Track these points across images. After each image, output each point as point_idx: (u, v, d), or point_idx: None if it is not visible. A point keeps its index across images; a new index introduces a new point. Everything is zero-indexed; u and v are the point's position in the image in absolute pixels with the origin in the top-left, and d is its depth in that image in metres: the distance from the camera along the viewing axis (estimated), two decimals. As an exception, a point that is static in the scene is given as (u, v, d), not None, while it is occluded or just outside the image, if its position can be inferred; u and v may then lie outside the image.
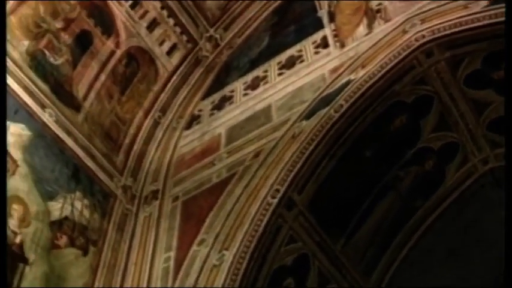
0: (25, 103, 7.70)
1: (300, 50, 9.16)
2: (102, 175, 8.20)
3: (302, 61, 8.93)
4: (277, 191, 6.98)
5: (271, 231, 6.78)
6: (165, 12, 10.48)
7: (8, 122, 7.21)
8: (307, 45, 9.14)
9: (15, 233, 6.51)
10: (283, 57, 9.27)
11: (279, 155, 7.41)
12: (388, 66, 7.57)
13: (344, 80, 7.83)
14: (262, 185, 7.12)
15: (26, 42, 8.30)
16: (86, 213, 7.57)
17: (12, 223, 6.56)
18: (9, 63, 7.77)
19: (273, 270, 6.69)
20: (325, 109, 7.55)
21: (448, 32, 7.42)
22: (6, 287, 5.27)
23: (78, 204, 7.52)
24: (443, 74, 7.69)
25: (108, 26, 9.68)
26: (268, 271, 6.62)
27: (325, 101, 7.70)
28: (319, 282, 7.27)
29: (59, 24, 8.90)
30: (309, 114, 7.69)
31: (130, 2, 10.05)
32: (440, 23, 7.50)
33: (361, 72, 7.73)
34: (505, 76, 6.73)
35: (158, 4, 10.41)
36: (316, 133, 7.36)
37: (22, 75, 7.92)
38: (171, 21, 10.56)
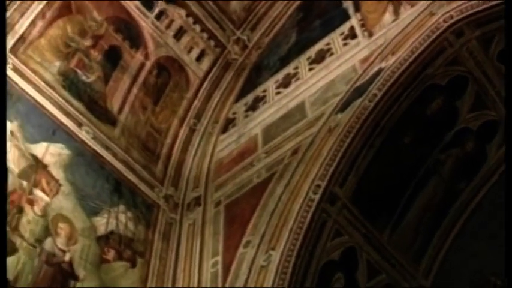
0: (62, 123, 7.84)
1: (328, 43, 9.10)
2: (143, 187, 8.27)
3: (331, 54, 8.87)
4: (319, 186, 6.93)
5: (316, 227, 6.73)
6: (190, 20, 10.53)
7: (46, 143, 7.37)
8: (335, 38, 9.08)
9: (63, 251, 6.63)
10: (312, 52, 9.22)
11: (317, 150, 7.36)
12: (419, 51, 7.47)
13: (375, 69, 7.75)
14: (303, 181, 7.08)
15: (57, 63, 8.45)
16: (131, 225, 7.64)
17: (60, 241, 6.68)
18: (42, 85, 7.94)
19: (321, 266, 6.64)
20: (359, 100, 7.48)
21: (476, 9, 7.30)
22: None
23: (122, 218, 7.61)
24: (475, 53, 7.57)
25: (135, 39, 9.79)
26: (316, 267, 6.57)
27: (358, 91, 7.64)
28: (368, 274, 7.19)
29: (87, 42, 9.03)
30: (343, 107, 7.63)
31: (155, 13, 10.13)
32: (468, 1, 7.38)
33: (392, 59, 7.64)
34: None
35: (183, 12, 10.47)
36: (352, 125, 7.29)
37: (56, 95, 8.07)
38: (198, 27, 10.60)
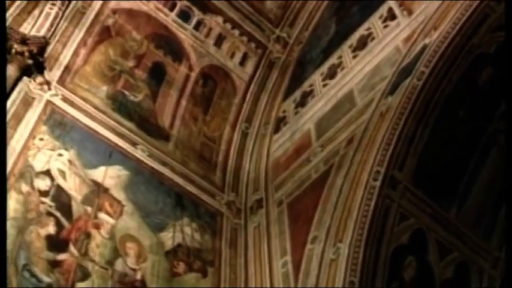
0: (117, 145, 7.98)
1: (369, 28, 8.99)
2: (204, 196, 8.33)
3: (373, 38, 8.76)
4: (378, 172, 6.86)
5: (381, 213, 6.67)
6: (228, 25, 10.58)
7: (105, 167, 7.51)
8: (374, 22, 8.96)
9: (134, 270, 6.75)
10: (354, 39, 9.12)
11: (371, 136, 7.28)
12: (461, 21, 7.31)
13: (419, 47, 7.63)
14: (362, 169, 7.02)
15: (105, 87, 8.60)
16: (197, 236, 7.71)
17: (130, 261, 6.80)
18: (93, 111, 8.09)
19: (391, 252, 6.57)
20: (407, 80, 7.36)
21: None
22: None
23: (187, 230, 7.69)
24: (520, 14, 7.38)
25: (177, 52, 9.89)
26: (386, 254, 6.51)
27: (406, 71, 7.53)
28: (440, 254, 7.07)
29: (131, 63, 9.17)
30: (392, 89, 7.53)
31: (193, 24, 10.21)
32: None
33: (435, 34, 7.50)
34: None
35: (220, 19, 10.53)
36: (404, 106, 7.19)
37: (108, 119, 8.21)
38: (236, 32, 10.64)
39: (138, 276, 6.74)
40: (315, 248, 6.77)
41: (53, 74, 8.11)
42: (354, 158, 7.27)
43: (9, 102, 7.21)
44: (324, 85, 9.07)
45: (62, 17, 8.64)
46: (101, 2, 9.33)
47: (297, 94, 9.62)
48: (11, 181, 6.55)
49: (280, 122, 9.49)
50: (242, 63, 10.52)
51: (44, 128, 7.43)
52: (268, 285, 7.02)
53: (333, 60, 9.30)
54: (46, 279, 6.13)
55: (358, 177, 6.97)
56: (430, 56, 7.33)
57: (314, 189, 7.58)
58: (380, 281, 6.27)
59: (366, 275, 6.19)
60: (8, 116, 7.09)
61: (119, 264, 6.70)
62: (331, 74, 9.09)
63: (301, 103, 9.33)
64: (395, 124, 7.11)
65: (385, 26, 8.69)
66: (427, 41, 7.57)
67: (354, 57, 8.85)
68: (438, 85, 7.21)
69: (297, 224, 7.45)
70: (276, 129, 9.45)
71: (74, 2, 8.94)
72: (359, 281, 6.10)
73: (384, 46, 8.38)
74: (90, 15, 9.12)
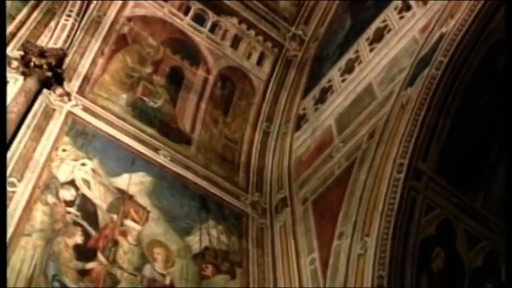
0: (139, 152, 8.03)
1: (384, 20, 8.95)
2: (228, 198, 8.33)
3: (389, 30, 8.72)
4: (401, 164, 6.82)
5: (407, 205, 6.62)
6: (243, 26, 10.60)
7: (128, 174, 7.55)
8: (389, 14, 8.92)
9: (163, 275, 6.78)
10: (370, 32, 9.09)
11: (393, 129, 7.25)
12: (477, 8, 7.24)
13: (436, 36, 7.58)
14: (385, 163, 6.98)
15: (124, 95, 8.65)
16: (224, 238, 7.72)
17: (158, 266, 6.83)
18: (113, 119, 8.14)
19: (419, 244, 6.51)
20: (426, 70, 7.32)
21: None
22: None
23: (214, 232, 7.70)
24: (536, -3, 7.29)
25: (194, 56, 9.94)
26: (414, 246, 6.45)
27: (424, 62, 7.48)
28: (468, 243, 7.01)
29: (148, 69, 9.22)
30: (411, 80, 7.49)
31: (208, 26, 10.24)
32: None
33: (452, 23, 7.45)
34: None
35: (235, 20, 10.55)
36: (423, 96, 7.15)
37: (129, 126, 8.26)
38: (252, 32, 10.66)
39: (167, 280, 6.76)
40: (342, 244, 6.75)
41: (73, 85, 8.18)
42: (376, 151, 7.24)
43: (30, 115, 7.29)
44: (343, 80, 9.05)
45: (78, 27, 8.74)
46: (115, 10, 9.39)
47: (316, 91, 9.60)
48: (36, 193, 6.62)
49: (301, 120, 9.49)
50: (259, 63, 10.53)
51: (66, 138, 7.48)
52: (297, 283, 7.02)
53: (350, 54, 9.27)
54: (76, 289, 6.21)
55: (382, 170, 6.94)
56: (448, 45, 7.28)
57: (338, 185, 7.56)
58: (409, 273, 6.22)
59: (394, 268, 6.14)
60: (30, 129, 7.18)
61: (147, 270, 6.72)
62: (349, 69, 9.06)
63: (321, 99, 9.31)
64: (416, 115, 7.07)
65: (401, 17, 8.65)
66: (444, 29, 7.51)
67: (371, 50, 8.82)
68: (457, 74, 7.16)
69: (322, 220, 7.44)
70: (297, 127, 9.44)
71: (89, 12, 9.02)
72: (388, 275, 6.05)
73: (401, 37, 8.34)
74: (106, 24, 9.19)
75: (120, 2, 9.56)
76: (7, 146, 6.71)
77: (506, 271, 5.58)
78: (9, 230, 6.07)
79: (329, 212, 7.35)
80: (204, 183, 8.26)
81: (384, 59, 8.38)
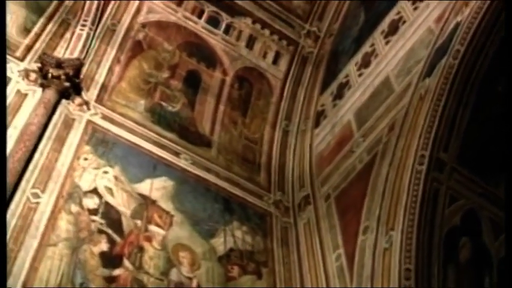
0: (160, 157, 8.07)
1: (399, 12, 8.89)
2: (251, 198, 8.34)
3: (404, 22, 8.66)
4: (423, 156, 6.79)
5: (430, 197, 6.58)
6: (258, 26, 10.60)
7: (150, 180, 7.59)
8: (403, 5, 8.86)
9: (190, 278, 6.80)
10: (384, 25, 9.04)
11: (413, 121, 7.20)
12: (491, -5, 7.18)
13: (452, 25, 7.51)
14: (406, 155, 6.95)
15: (142, 101, 8.69)
16: (248, 238, 7.72)
17: (185, 269, 6.86)
18: (133, 126, 8.19)
19: (444, 235, 6.47)
20: (443, 60, 7.26)
21: None
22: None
23: (238, 233, 7.71)
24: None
25: (210, 58, 9.96)
26: (439, 237, 6.40)
27: (441, 51, 7.42)
28: (495, 232, 6.95)
29: (165, 74, 9.27)
30: (428, 71, 7.44)
31: (222, 28, 10.26)
32: None
33: (467, 11, 7.37)
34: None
35: (249, 20, 10.56)
36: (442, 87, 7.09)
37: (149, 132, 8.31)
38: (267, 31, 10.65)
39: (194, 284, 6.78)
40: (367, 239, 6.73)
41: (91, 94, 8.24)
42: (397, 144, 7.20)
43: (50, 126, 7.37)
44: (360, 75, 9.01)
45: (93, 36, 8.80)
46: (129, 17, 9.45)
47: (334, 86, 9.58)
48: (60, 203, 6.68)
49: (320, 116, 9.46)
50: (275, 61, 10.51)
51: (87, 147, 7.54)
52: (324, 280, 7.00)
53: (365, 48, 9.23)
54: (104, 296, 6.25)
55: (404, 163, 6.90)
56: (464, 33, 7.20)
57: (360, 180, 7.53)
58: (436, 265, 6.18)
59: (421, 260, 6.11)
60: (51, 140, 7.25)
61: (173, 274, 6.75)
62: (366, 63, 9.02)
63: (339, 95, 9.29)
64: (435, 106, 7.02)
65: (415, 8, 8.59)
66: (459, 18, 7.44)
67: (387, 43, 8.77)
68: (475, 62, 7.08)
69: (346, 216, 7.42)
70: (316, 124, 9.42)
71: (104, 20, 9.07)
72: (414, 268, 6.02)
73: (416, 28, 8.28)
74: (121, 32, 9.24)
75: (134, 9, 9.60)
76: (29, 158, 6.79)
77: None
78: (35, 241, 6.15)
79: (352, 208, 7.33)
80: (226, 185, 8.28)
81: (400, 51, 8.33)
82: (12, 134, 6.94)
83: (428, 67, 7.49)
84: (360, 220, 7.03)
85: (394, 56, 8.40)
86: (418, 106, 7.23)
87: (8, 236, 5.97)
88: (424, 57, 7.70)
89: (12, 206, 6.28)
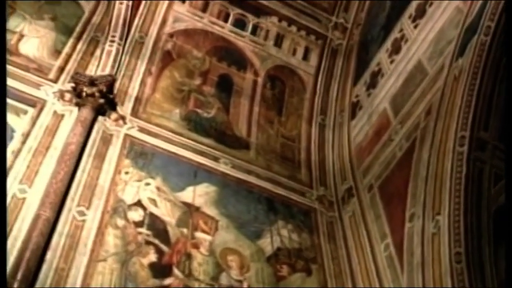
0: (200, 163, 8.12)
1: (425, -6, 8.80)
2: (294, 196, 8.35)
3: (431, 4, 8.54)
4: (463, 137, 6.70)
5: (474, 178, 6.49)
6: (284, 23, 10.59)
7: (192, 187, 7.64)
8: (430, -13, 8.77)
9: (240, 281, 6.83)
10: (411, 9, 8.93)
11: (449, 102, 7.11)
12: (518, -33, 7.05)
13: (480, 2, 7.38)
14: (446, 137, 6.87)
15: (177, 110, 8.76)
16: (295, 236, 7.72)
17: (234, 273, 6.89)
18: (170, 135, 8.26)
19: (492, 215, 6.37)
20: (474, 38, 7.15)
21: None
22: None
23: (284, 232, 7.71)
24: None
25: (240, 60, 10.00)
26: (488, 218, 6.30)
27: (471, 29, 7.31)
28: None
29: (197, 81, 9.33)
30: (460, 51, 7.34)
31: (249, 29, 10.28)
32: None
33: (494, -14, 7.26)
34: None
35: (275, 19, 10.55)
36: (476, 65, 6.99)
37: (186, 140, 8.37)
38: (294, 28, 10.64)
39: (245, 286, 6.80)
40: (414, 225, 6.67)
41: (126, 108, 8.32)
42: (435, 127, 7.12)
43: (89, 144, 7.46)
44: (391, 61, 8.93)
45: (122, 51, 8.89)
46: (156, 29, 9.53)
47: (366, 76, 9.52)
48: (106, 219, 6.75)
49: (355, 107, 9.42)
50: (305, 57, 10.50)
51: (127, 161, 7.61)
52: (374, 271, 6.98)
53: (394, 34, 9.14)
54: (157, 306, 6.31)
55: (444, 145, 6.83)
56: (493, 9, 7.07)
57: (402, 167, 7.48)
58: (486, 247, 6.09)
59: (471, 243, 6.03)
60: (91, 157, 7.34)
61: (223, 279, 6.78)
62: (396, 49, 8.94)
63: (372, 84, 9.22)
64: (471, 85, 6.92)
65: (441, -12, 8.48)
66: (486, -6, 7.33)
67: (415, 26, 8.67)
68: (506, 36, 6.96)
69: (391, 205, 7.37)
70: (352, 115, 9.38)
71: (131, 34, 9.16)
72: (465, 251, 5.95)
73: (444, 9, 8.16)
74: (149, 44, 9.33)
75: (160, 19, 9.68)
76: (71, 177, 6.88)
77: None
78: (85, 258, 6.23)
79: (396, 196, 7.29)
80: (268, 185, 8.29)
81: (430, 33, 8.23)
82: (53, 155, 7.05)
83: (460, 47, 7.39)
84: (405, 207, 6.98)
85: (424, 39, 8.31)
86: (454, 87, 7.14)
87: (57, 255, 6.09)
88: (454, 37, 7.60)
89: (59, 225, 6.37)
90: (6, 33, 8.27)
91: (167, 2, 9.93)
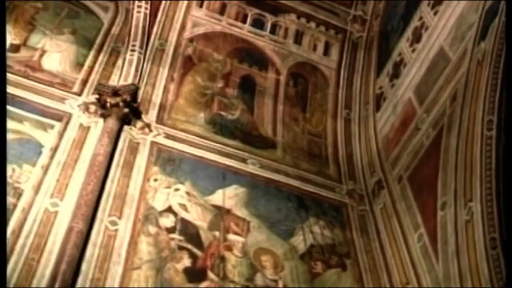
0: (227, 166, 8.13)
1: (442, -20, 8.72)
2: (324, 192, 8.32)
3: (449, -11, 8.49)
4: (491, 121, 6.61)
5: (505, 161, 6.39)
6: (303, 20, 10.58)
7: (221, 190, 7.66)
8: (447, -27, 8.68)
9: (275, 281, 6.83)
10: (430, -4, 8.89)
11: (474, 87, 7.04)
12: None
13: (499, -18, 7.31)
14: (473, 123, 6.79)
15: (201, 114, 8.79)
16: (327, 232, 7.70)
17: (269, 273, 6.89)
18: (196, 140, 8.31)
19: (526, 197, 6.30)
20: (495, 20, 7.06)
21: None
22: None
23: (316, 229, 7.69)
24: None
25: (261, 60, 10.01)
26: (521, 201, 6.25)
27: (491, 12, 7.22)
28: None
29: (220, 84, 9.36)
30: (482, 34, 7.25)
31: (268, 29, 10.28)
32: None
33: (512, -33, 7.16)
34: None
35: (293, 16, 10.54)
36: (499, 47, 6.90)
37: (213, 143, 8.39)
38: (313, 24, 10.61)
39: (280, 285, 6.80)
40: (447, 214, 6.61)
41: (150, 116, 8.36)
42: (462, 114, 7.05)
43: (117, 154, 7.51)
44: (413, 50, 8.86)
45: (144, 60, 8.93)
46: (176, 35, 9.58)
47: (389, 66, 9.47)
48: (138, 227, 6.79)
49: (380, 99, 9.37)
50: (326, 52, 10.46)
51: (155, 168, 7.65)
52: (409, 262, 6.93)
53: (414, 23, 9.07)
54: (193, 311, 6.34)
55: (472, 131, 6.75)
56: (513, -11, 7.00)
57: (430, 156, 7.42)
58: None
59: (505, 228, 5.95)
60: (120, 167, 7.39)
61: (258, 279, 6.78)
62: (417, 38, 8.87)
63: (395, 74, 9.17)
64: (495, 68, 6.83)
65: (458, -27, 8.40)
66: (505, -25, 7.24)
67: (435, 13, 8.59)
68: (528, 17, 6.88)
69: (422, 194, 7.32)
70: (377, 107, 9.34)
71: (151, 42, 9.21)
72: (499, 236, 5.87)
73: (463, -6, 8.10)
74: (170, 50, 9.37)
75: (179, 25, 9.73)
76: (101, 188, 6.93)
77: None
78: (120, 267, 6.28)
79: (427, 185, 7.23)
80: (297, 183, 8.28)
81: (450, 19, 8.16)
82: (81, 167, 7.11)
83: (481, 30, 7.31)
84: (437, 196, 6.92)
85: (445, 25, 8.23)
86: (478, 71, 7.06)
87: (92, 266, 6.15)
88: (475, 21, 7.52)
89: (93, 236, 6.43)
90: (28, 50, 8.38)
91: (184, 7, 9.97)
